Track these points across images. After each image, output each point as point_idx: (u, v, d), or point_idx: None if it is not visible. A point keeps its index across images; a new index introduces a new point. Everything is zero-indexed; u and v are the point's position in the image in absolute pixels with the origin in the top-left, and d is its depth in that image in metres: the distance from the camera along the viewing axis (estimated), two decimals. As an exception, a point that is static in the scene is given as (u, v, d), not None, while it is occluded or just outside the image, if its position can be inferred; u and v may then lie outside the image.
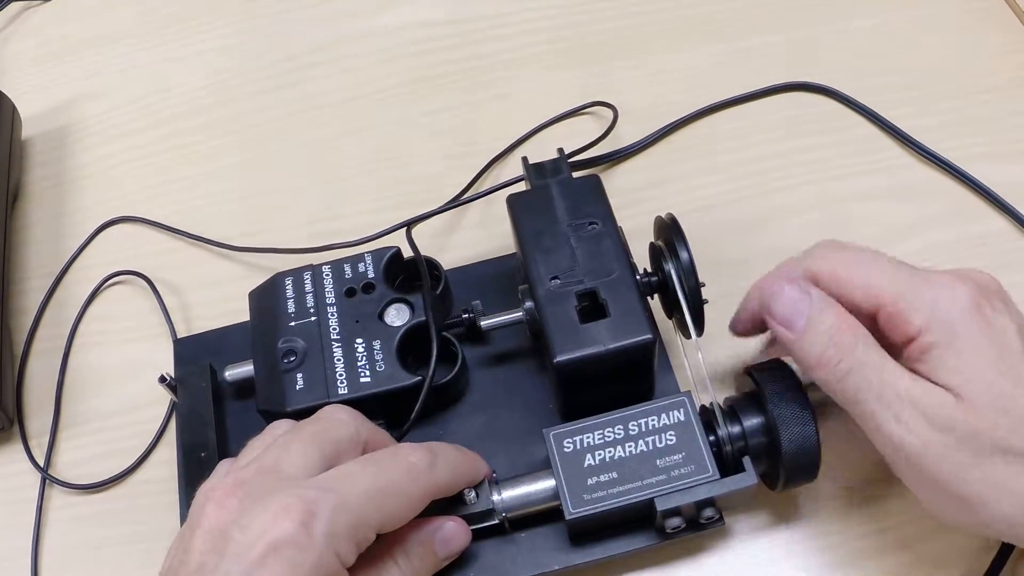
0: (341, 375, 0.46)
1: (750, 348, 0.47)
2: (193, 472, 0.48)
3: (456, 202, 0.54)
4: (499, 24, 0.64)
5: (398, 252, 0.49)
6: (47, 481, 0.53)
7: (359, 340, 0.47)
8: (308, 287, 0.49)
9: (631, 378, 0.45)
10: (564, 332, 0.43)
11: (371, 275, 0.48)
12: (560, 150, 0.49)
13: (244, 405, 0.50)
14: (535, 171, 0.48)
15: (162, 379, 0.49)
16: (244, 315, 0.52)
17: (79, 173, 0.63)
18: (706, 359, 0.45)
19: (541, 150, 0.56)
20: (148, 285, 0.56)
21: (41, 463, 0.53)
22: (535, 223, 0.46)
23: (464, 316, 0.48)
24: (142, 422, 0.53)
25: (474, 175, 0.55)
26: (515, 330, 0.47)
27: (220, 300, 0.55)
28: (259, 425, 0.48)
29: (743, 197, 0.52)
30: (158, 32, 0.70)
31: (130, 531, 0.50)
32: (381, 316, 0.47)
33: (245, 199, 0.59)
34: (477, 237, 0.54)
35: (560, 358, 0.43)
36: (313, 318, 0.48)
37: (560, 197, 0.47)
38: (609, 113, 0.55)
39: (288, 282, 0.49)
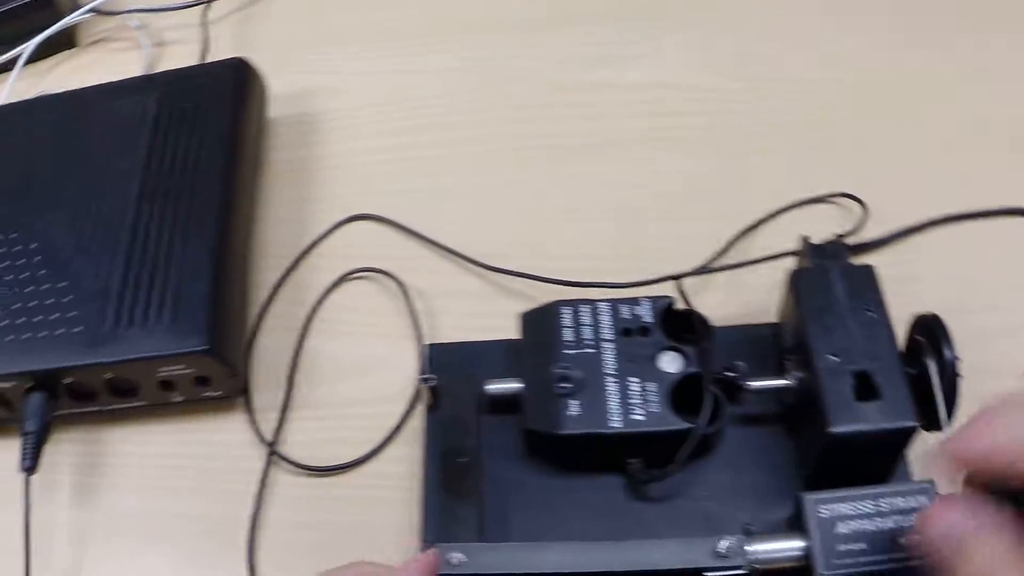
0: (615, 409, 0.48)
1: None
2: (449, 476, 0.50)
3: (720, 266, 0.57)
4: (750, 98, 0.66)
5: (673, 302, 0.52)
6: (273, 457, 0.54)
7: (633, 379, 0.49)
8: (586, 320, 0.51)
9: (882, 458, 0.48)
10: (840, 406, 0.46)
11: (647, 320, 0.51)
12: (839, 237, 0.52)
13: (494, 420, 0.52)
14: (814, 251, 0.52)
15: (425, 379, 0.51)
16: (490, 332, 0.55)
17: (322, 163, 0.65)
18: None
19: (787, 229, 0.58)
20: (398, 286, 0.58)
21: (268, 438, 0.55)
22: (816, 300, 0.49)
23: (728, 374, 0.50)
24: (375, 416, 0.55)
25: (724, 241, 0.58)
26: (764, 395, 0.50)
27: (466, 314, 0.57)
28: (510, 440, 0.51)
29: (971, 310, 0.55)
30: (400, 41, 0.73)
31: (355, 520, 0.52)
32: (654, 360, 0.50)
33: (489, 221, 0.61)
34: (720, 300, 0.56)
35: (836, 429, 0.45)
36: (590, 350, 0.50)
37: (839, 280, 0.50)
38: (853, 205, 0.59)
39: (567, 311, 0.51)
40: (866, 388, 0.47)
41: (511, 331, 0.53)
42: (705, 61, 0.68)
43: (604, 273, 0.56)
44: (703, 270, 0.56)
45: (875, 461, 0.48)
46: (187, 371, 0.54)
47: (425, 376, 0.51)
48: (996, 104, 0.63)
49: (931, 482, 0.46)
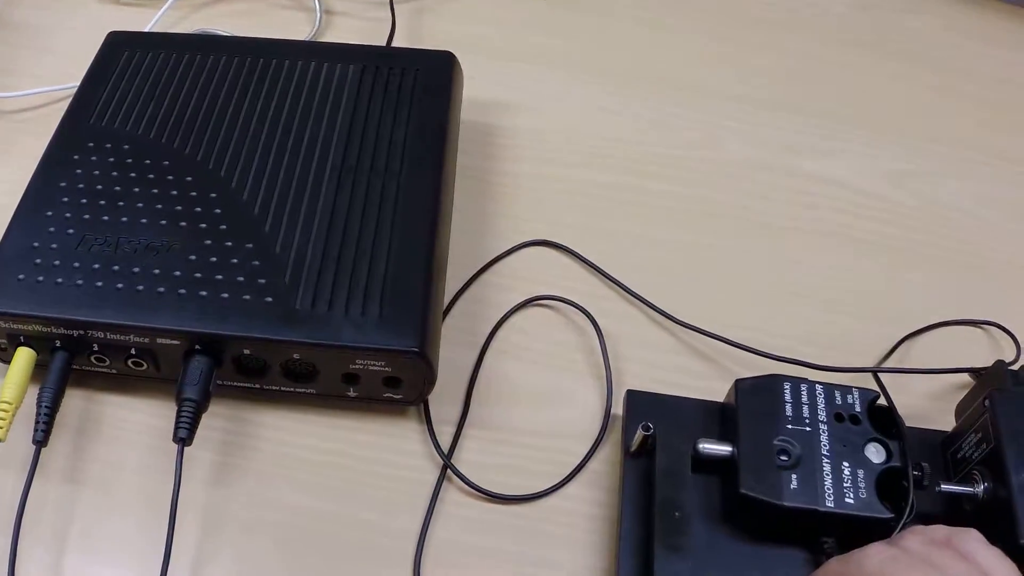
0: (830, 489, 0.50)
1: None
2: (667, 527, 0.49)
3: (904, 368, 0.60)
4: (918, 216, 0.68)
5: (879, 396, 0.54)
6: (448, 473, 0.52)
7: (846, 464, 0.51)
8: (804, 399, 0.52)
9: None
10: (1030, 521, 0.50)
11: (858, 409, 0.53)
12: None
13: (695, 478, 0.51)
14: (1012, 377, 0.56)
15: (647, 427, 0.51)
16: (673, 388, 0.55)
17: (507, 179, 0.64)
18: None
19: (936, 344, 0.61)
20: (589, 322, 0.57)
21: (445, 451, 0.52)
22: (1015, 422, 0.53)
23: (915, 473, 0.53)
24: (552, 450, 0.54)
25: (888, 344, 0.60)
26: (938, 496, 0.53)
27: (652, 364, 0.57)
28: (708, 500, 0.51)
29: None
30: (601, 77, 0.73)
31: (529, 553, 0.50)
32: (863, 449, 0.52)
33: (679, 279, 0.61)
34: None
35: (1025, 541, 0.49)
36: (808, 428, 0.51)
37: (1034, 407, 0.54)
38: (999, 334, 0.63)
39: (787, 386, 0.52)
40: (1048, 510, 0.51)
41: (695, 391, 0.54)
42: (874, 172, 0.71)
43: (779, 351, 0.57)
44: (897, 369, 0.59)
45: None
46: (383, 368, 0.50)
47: (646, 424, 0.51)
48: None
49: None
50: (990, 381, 0.57)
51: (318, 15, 0.68)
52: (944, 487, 0.53)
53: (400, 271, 0.52)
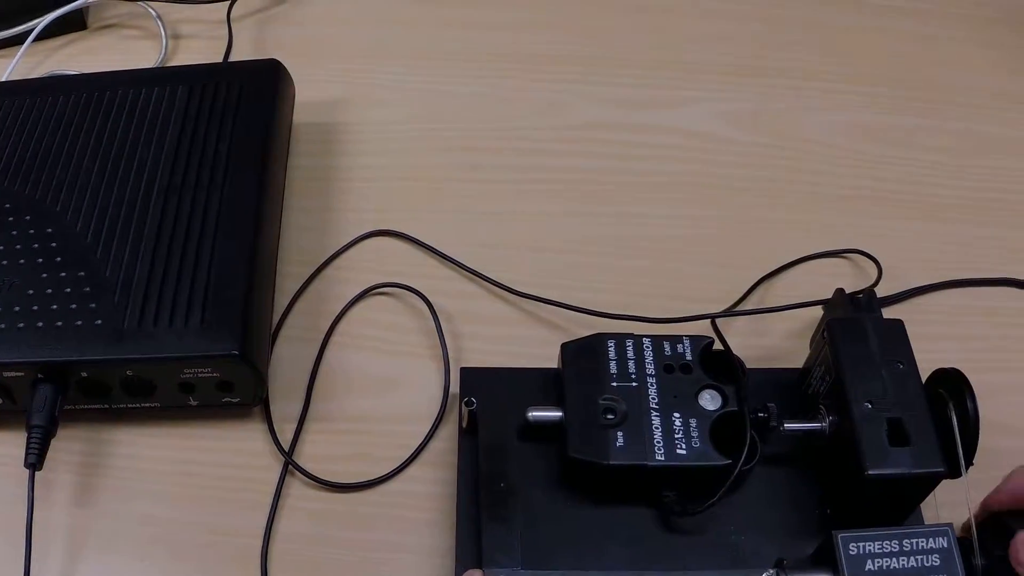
0: (659, 443, 0.49)
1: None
2: (489, 501, 0.49)
3: (750, 309, 0.59)
4: (781, 155, 0.69)
5: (713, 342, 0.53)
6: (289, 468, 0.53)
7: (676, 414, 0.50)
8: (630, 354, 0.52)
9: (906, 500, 0.51)
10: (875, 450, 0.48)
11: (689, 357, 0.52)
12: (871, 291, 0.54)
13: (528, 447, 0.51)
14: (850, 302, 0.54)
15: (469, 402, 0.51)
16: (516, 359, 0.55)
17: (345, 174, 0.65)
18: (946, 500, 0.50)
19: (802, 281, 0.61)
20: (425, 304, 0.58)
21: (286, 449, 0.53)
22: (852, 350, 0.51)
23: (760, 415, 0.52)
24: (395, 434, 0.54)
25: (745, 286, 0.60)
26: (790, 436, 0.52)
27: (490, 339, 0.58)
28: (545, 468, 0.51)
29: (968, 369, 0.58)
30: (434, 60, 0.73)
31: (376, 538, 0.51)
32: (696, 397, 0.51)
33: (518, 249, 0.62)
34: (741, 344, 0.57)
35: (871, 472, 0.47)
36: (634, 384, 0.51)
37: (873, 332, 0.52)
38: (864, 261, 0.62)
39: (611, 344, 0.52)
40: (898, 434, 0.49)
41: (539, 359, 0.54)
42: (730, 116, 0.71)
43: (632, 308, 0.57)
44: (732, 312, 0.58)
45: (900, 503, 0.51)
46: (212, 375, 0.52)
47: (467, 399, 0.51)
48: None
49: (950, 525, 0.48)
50: (831, 310, 0.55)
51: (164, 41, 0.70)
52: (788, 426, 0.52)
53: (220, 279, 0.53)
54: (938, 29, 0.78)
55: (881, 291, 0.61)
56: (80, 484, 0.53)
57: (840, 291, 0.54)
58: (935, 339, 0.60)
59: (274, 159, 0.60)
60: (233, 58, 0.70)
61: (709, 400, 0.51)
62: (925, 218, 0.66)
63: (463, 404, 0.51)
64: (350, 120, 0.68)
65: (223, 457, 0.54)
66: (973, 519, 0.49)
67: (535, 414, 0.51)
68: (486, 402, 0.52)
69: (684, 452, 0.49)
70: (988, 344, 0.60)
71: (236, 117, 0.60)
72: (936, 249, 0.64)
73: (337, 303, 0.58)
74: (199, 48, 0.71)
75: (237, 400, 0.53)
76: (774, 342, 0.58)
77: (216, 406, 0.54)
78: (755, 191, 0.66)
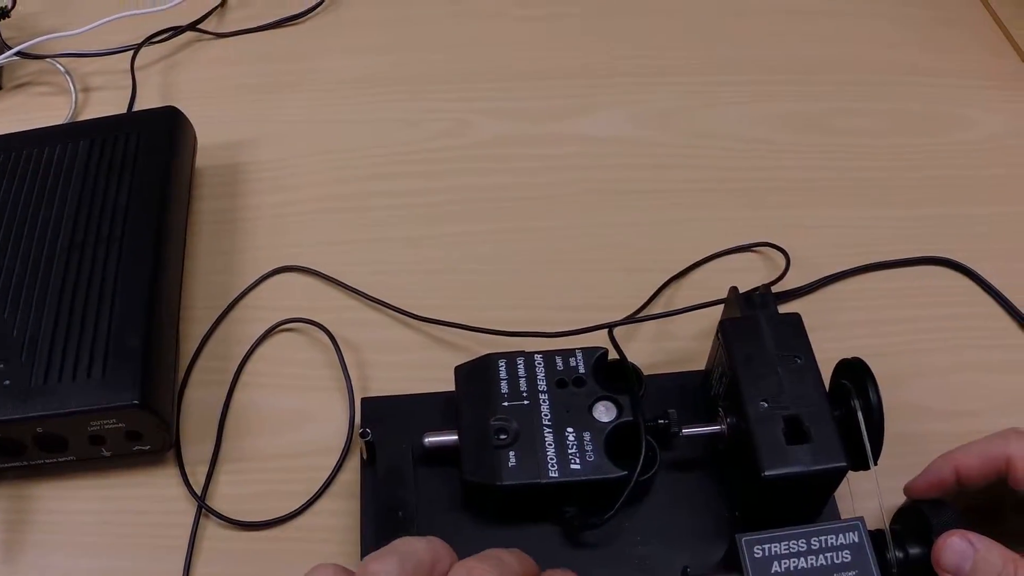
0: (552, 459, 0.49)
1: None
2: (387, 529, 0.49)
3: (651, 315, 0.59)
4: (688, 154, 0.69)
5: (606, 353, 0.53)
6: (203, 511, 0.53)
7: (570, 429, 0.50)
8: (521, 372, 0.52)
9: (813, 497, 0.50)
10: (772, 450, 0.48)
11: (582, 370, 0.52)
12: (767, 287, 0.54)
13: (431, 472, 0.52)
14: (743, 301, 0.53)
15: (364, 434, 0.51)
16: (424, 384, 0.55)
17: (249, 214, 0.65)
18: (863, 491, 0.50)
19: (711, 279, 0.61)
20: (328, 338, 0.58)
21: (198, 492, 0.54)
22: (746, 349, 0.51)
23: (660, 422, 0.52)
24: (306, 469, 0.54)
25: (653, 291, 0.60)
26: (695, 440, 0.52)
27: (398, 366, 0.58)
28: (448, 492, 0.51)
29: (884, 354, 0.58)
30: (336, 92, 0.74)
31: (290, 574, 0.51)
32: (589, 410, 0.51)
33: (422, 273, 0.62)
34: (649, 349, 0.58)
35: (768, 472, 0.47)
36: (526, 402, 0.51)
37: (768, 329, 0.51)
38: (774, 254, 0.61)
39: (502, 364, 0.52)
40: (796, 432, 0.49)
41: (446, 383, 0.54)
42: (637, 119, 0.71)
43: (537, 323, 0.57)
44: (631, 319, 0.58)
45: (807, 501, 0.50)
46: (118, 425, 0.52)
47: (364, 430, 0.51)
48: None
49: (860, 519, 0.48)
50: (726, 310, 0.55)
51: (73, 95, 0.71)
52: (686, 431, 0.51)
53: (120, 330, 0.54)
54: (844, 4, 0.78)
55: (793, 282, 0.61)
56: (3, 541, 0.54)
57: (734, 289, 0.54)
58: (849, 326, 0.59)
59: (174, 206, 0.60)
60: (139, 106, 0.70)
61: (604, 412, 0.51)
62: (837, 204, 0.66)
63: (360, 436, 0.51)
64: (253, 159, 0.68)
65: (140, 504, 0.54)
66: (884, 513, 0.49)
67: (431, 439, 0.51)
68: (385, 431, 0.52)
69: (578, 467, 0.49)
70: (903, 327, 0.60)
71: (135, 167, 0.61)
72: (849, 235, 0.64)
73: (245, 343, 0.59)
74: (108, 99, 0.72)
75: (148, 448, 0.54)
76: (682, 344, 0.58)
77: (128, 455, 0.54)
78: (664, 192, 0.66)
